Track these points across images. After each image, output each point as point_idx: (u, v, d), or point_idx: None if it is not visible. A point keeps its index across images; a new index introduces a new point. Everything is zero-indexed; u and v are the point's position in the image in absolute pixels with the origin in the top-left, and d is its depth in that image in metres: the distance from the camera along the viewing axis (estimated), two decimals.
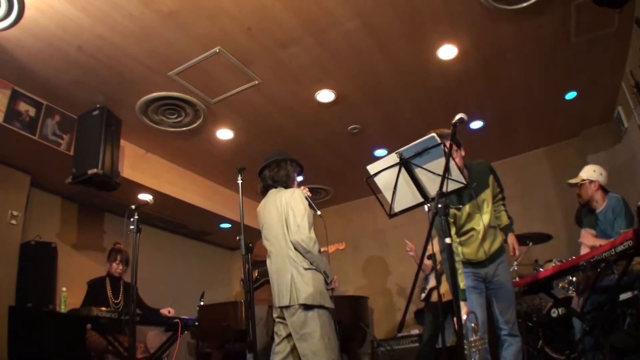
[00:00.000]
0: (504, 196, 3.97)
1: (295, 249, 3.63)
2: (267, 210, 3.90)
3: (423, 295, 5.89)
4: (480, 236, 3.72)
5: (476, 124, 6.44)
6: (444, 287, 5.56)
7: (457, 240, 3.78)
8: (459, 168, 2.71)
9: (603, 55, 5.25)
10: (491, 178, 3.83)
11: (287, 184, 3.99)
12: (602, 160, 4.91)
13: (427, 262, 5.81)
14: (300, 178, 4.14)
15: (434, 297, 5.71)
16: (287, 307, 3.53)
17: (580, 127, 6.89)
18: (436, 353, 5.72)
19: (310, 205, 3.86)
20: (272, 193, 3.97)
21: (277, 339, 3.74)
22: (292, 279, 3.54)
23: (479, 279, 3.73)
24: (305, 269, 3.57)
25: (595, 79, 5.71)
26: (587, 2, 4.16)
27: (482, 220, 3.70)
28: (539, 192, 7.05)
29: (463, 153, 3.74)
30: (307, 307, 3.47)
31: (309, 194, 4.06)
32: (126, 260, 5.73)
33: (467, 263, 3.78)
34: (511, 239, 3.88)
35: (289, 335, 3.65)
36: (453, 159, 2.63)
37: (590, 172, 4.49)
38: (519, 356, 3.50)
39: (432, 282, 5.75)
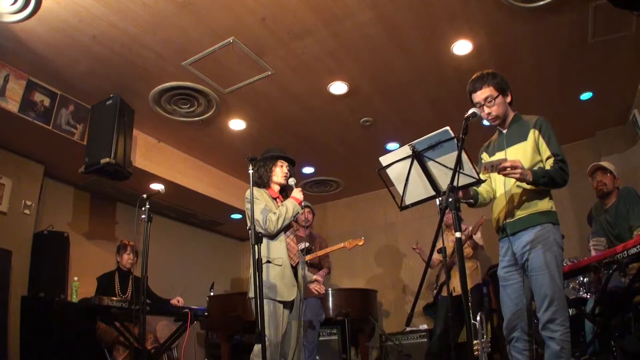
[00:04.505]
0: (553, 154, 3.03)
1: None
2: None
3: (435, 291, 5.88)
4: (502, 194, 3.17)
5: None
6: (455, 281, 5.55)
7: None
8: (470, 160, 2.67)
9: (620, 58, 5.20)
10: (532, 132, 3.12)
11: None
12: (616, 162, 4.87)
13: (435, 258, 5.83)
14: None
15: (445, 291, 5.70)
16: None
17: (595, 128, 6.83)
18: (447, 348, 5.72)
19: None
20: None
21: None
22: None
23: (511, 264, 3.10)
24: None
25: (611, 81, 5.65)
26: (606, 4, 4.07)
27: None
28: (552, 191, 6.96)
29: (509, 99, 3.28)
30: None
31: None
32: (136, 252, 5.77)
33: (500, 237, 3.22)
34: (509, 161, 2.86)
35: None
36: (465, 153, 2.61)
37: (614, 168, 4.46)
38: None
39: (444, 277, 5.73)
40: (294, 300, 3.72)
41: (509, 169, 2.81)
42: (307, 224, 5.95)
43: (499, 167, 2.83)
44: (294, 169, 4.17)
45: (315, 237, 6.18)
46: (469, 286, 5.46)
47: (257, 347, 3.45)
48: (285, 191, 4.04)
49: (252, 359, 3.50)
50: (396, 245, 8.27)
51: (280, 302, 3.62)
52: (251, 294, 3.61)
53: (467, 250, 5.63)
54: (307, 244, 5.55)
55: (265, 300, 3.48)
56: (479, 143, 3.55)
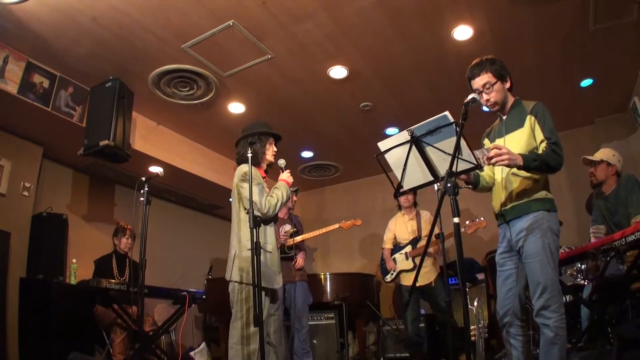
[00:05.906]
0: (545, 137, 2.97)
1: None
2: None
3: (390, 277, 5.83)
4: (499, 181, 3.18)
5: None
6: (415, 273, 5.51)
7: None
8: (468, 146, 2.66)
9: (621, 45, 5.18)
10: (529, 119, 3.08)
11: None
12: (615, 149, 4.86)
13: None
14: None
15: (403, 280, 5.68)
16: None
17: (594, 115, 6.83)
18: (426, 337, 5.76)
19: None
20: None
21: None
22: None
23: (507, 250, 3.12)
24: None
25: (612, 68, 5.64)
26: None
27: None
28: (550, 178, 6.95)
29: (508, 85, 3.23)
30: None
31: None
32: (134, 236, 5.79)
33: (498, 223, 3.22)
34: (492, 145, 2.95)
35: None
36: (464, 138, 2.60)
37: (610, 156, 4.42)
38: (550, 350, 2.81)
39: (400, 264, 5.71)
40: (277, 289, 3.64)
41: (495, 157, 2.79)
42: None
43: (487, 158, 2.82)
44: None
45: (296, 218, 6.08)
46: (432, 278, 5.51)
47: (234, 335, 3.43)
48: (268, 170, 3.94)
49: (231, 346, 3.43)
50: None
51: (267, 289, 3.53)
52: (229, 277, 3.59)
53: (435, 248, 5.59)
54: (294, 228, 5.52)
55: (249, 287, 3.45)
56: (478, 128, 3.54)
